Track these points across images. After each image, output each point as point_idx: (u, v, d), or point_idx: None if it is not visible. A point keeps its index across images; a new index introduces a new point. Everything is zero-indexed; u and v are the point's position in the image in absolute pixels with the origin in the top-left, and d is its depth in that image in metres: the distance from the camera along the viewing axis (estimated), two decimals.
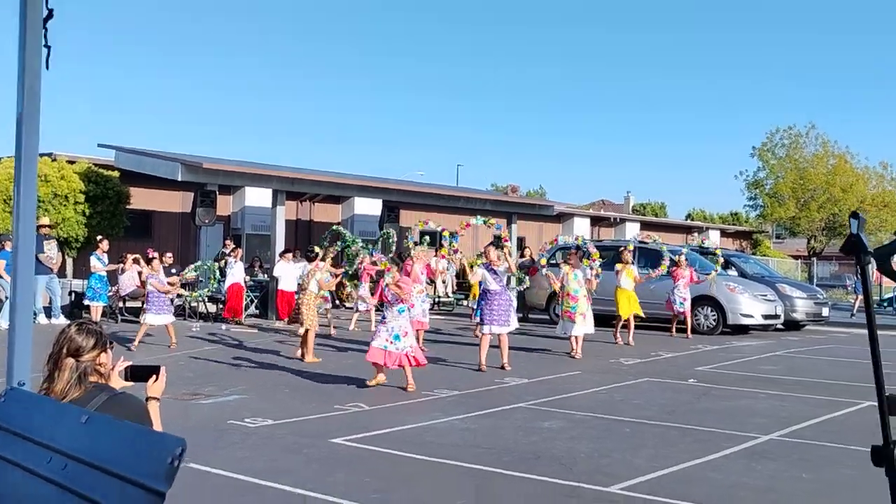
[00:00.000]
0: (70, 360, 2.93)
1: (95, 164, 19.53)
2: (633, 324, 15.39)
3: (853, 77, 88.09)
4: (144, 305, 13.86)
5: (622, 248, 16.34)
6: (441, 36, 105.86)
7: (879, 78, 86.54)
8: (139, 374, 3.23)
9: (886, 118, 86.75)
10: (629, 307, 15.28)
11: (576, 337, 13.14)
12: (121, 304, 17.78)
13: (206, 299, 18.65)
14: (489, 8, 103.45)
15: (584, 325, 13.15)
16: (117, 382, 3.19)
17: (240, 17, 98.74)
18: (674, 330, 16.75)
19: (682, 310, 16.58)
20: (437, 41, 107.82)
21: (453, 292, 23.48)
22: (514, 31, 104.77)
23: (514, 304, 13.79)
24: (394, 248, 17.27)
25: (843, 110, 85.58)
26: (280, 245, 19.55)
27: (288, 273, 18.72)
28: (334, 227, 15.88)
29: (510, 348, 12.01)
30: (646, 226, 37.85)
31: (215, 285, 16.70)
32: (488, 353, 11.59)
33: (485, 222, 14.06)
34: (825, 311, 19.93)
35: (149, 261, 17.44)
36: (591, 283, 13.62)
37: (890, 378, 9.22)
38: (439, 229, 14.42)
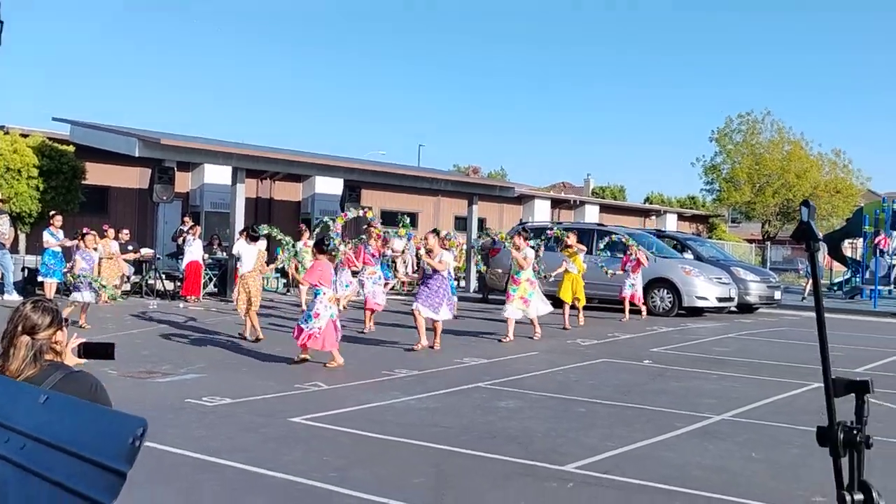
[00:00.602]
0: (25, 338, 2.89)
1: (50, 138, 19.12)
2: (580, 306, 15.34)
3: (809, 65, 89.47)
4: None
5: (567, 234, 15.99)
6: (402, 14, 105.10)
7: (834, 66, 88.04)
8: (93, 351, 3.19)
9: (840, 106, 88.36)
10: (570, 292, 15.02)
11: (511, 319, 12.76)
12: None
13: (164, 277, 18.44)
14: None
15: (518, 308, 12.73)
16: (71, 360, 3.15)
17: None
18: (626, 314, 16.44)
19: (628, 294, 16.43)
20: (398, 19, 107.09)
21: (413, 271, 23.48)
22: (477, 9, 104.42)
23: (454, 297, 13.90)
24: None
25: (799, 97, 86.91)
26: (240, 223, 19.36)
27: (248, 252, 18.59)
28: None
29: (452, 332, 12.09)
30: (605, 209, 38.19)
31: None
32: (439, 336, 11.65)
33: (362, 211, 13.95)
34: (777, 295, 20.35)
35: (101, 235, 17.21)
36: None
37: (840, 361, 9.48)
38: (361, 212, 14.10)
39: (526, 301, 12.75)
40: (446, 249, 12.15)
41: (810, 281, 22.94)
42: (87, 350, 3.14)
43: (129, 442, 1.09)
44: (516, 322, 12.97)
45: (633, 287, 16.49)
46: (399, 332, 13.31)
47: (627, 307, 16.54)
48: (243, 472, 5.54)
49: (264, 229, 13.74)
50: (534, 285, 13.01)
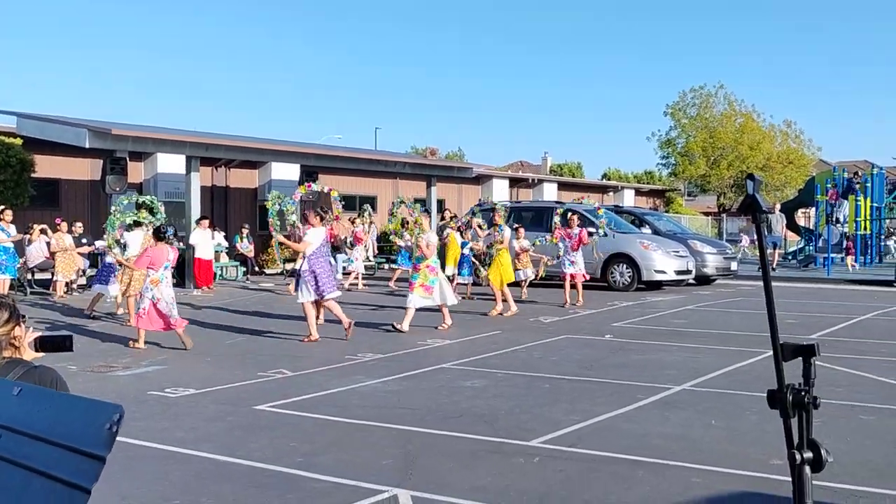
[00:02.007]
0: None
1: None
2: (509, 292, 13.95)
3: (759, 34, 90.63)
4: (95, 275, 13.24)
5: (494, 211, 15.18)
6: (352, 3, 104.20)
7: (783, 35, 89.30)
8: (49, 344, 3.16)
9: (789, 76, 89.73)
10: (497, 275, 13.86)
11: (410, 308, 11.94)
12: (29, 276, 17.20)
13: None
14: None
15: (420, 296, 12.00)
16: (29, 355, 3.12)
17: None
18: (566, 297, 15.00)
19: (570, 272, 15.10)
20: (345, 2, 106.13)
21: (374, 256, 23.46)
22: None
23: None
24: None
25: (750, 68, 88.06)
26: (196, 212, 19.17)
27: (204, 241, 18.44)
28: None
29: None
30: (563, 186, 38.42)
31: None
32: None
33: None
34: (734, 266, 20.70)
35: (54, 229, 16.94)
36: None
37: (794, 328, 9.70)
38: (326, 189, 13.60)
39: (427, 288, 11.96)
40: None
41: (768, 251, 23.37)
42: (44, 343, 3.11)
43: (106, 427, 1.10)
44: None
45: (574, 265, 15.12)
46: (365, 313, 13.29)
47: (568, 289, 15.04)
48: (211, 461, 5.53)
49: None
50: (435, 272, 12.13)
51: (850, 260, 24.74)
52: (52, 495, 1.08)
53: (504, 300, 13.74)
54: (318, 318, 11.54)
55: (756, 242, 24.35)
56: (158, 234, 10.94)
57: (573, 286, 15.11)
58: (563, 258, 15.23)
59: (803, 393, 1.74)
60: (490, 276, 14.05)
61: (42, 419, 1.10)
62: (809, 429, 1.74)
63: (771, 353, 1.56)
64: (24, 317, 3.05)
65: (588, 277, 15.80)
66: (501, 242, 14.10)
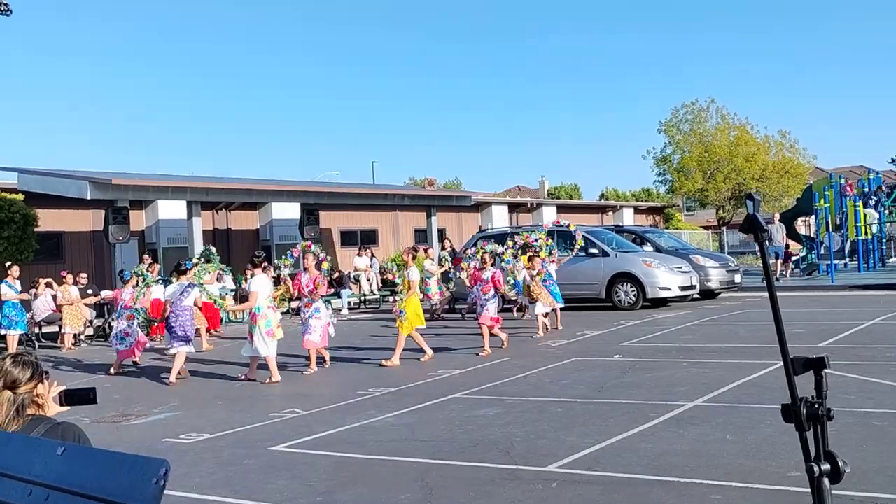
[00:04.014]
0: (7, 394, 2.90)
1: None
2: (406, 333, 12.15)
3: (749, 48, 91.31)
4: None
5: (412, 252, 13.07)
6: (340, 35, 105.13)
7: (773, 48, 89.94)
8: (74, 398, 3.20)
9: (780, 86, 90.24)
10: (410, 321, 12.04)
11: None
12: (37, 330, 17.24)
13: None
14: (388, 4, 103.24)
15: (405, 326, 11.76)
16: (53, 409, 3.16)
17: (122, 18, 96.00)
18: (486, 346, 12.51)
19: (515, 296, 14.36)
20: (335, 42, 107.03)
21: (378, 289, 23.50)
22: (417, 17, 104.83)
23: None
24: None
25: (741, 82, 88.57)
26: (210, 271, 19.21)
27: (211, 284, 18.46)
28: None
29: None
30: (562, 209, 38.52)
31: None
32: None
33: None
34: (737, 278, 20.72)
35: (59, 282, 17.00)
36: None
37: (802, 337, 9.72)
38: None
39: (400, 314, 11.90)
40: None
41: (771, 261, 23.43)
42: (69, 397, 3.16)
43: (153, 482, 1.15)
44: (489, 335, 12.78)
45: (487, 310, 12.84)
46: (373, 349, 13.31)
47: (486, 336, 12.65)
48: None
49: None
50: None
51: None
52: None
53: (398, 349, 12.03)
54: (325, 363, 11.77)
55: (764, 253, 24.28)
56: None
57: (492, 333, 12.79)
58: (478, 302, 13.22)
59: (817, 406, 1.78)
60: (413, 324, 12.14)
61: (90, 477, 1.14)
62: (825, 441, 1.77)
63: (780, 364, 1.60)
64: (46, 373, 3.10)
65: (500, 321, 13.14)
66: (410, 287, 12.14)
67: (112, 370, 12.69)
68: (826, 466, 1.75)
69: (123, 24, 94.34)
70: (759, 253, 1.81)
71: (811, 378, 1.95)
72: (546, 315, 14.75)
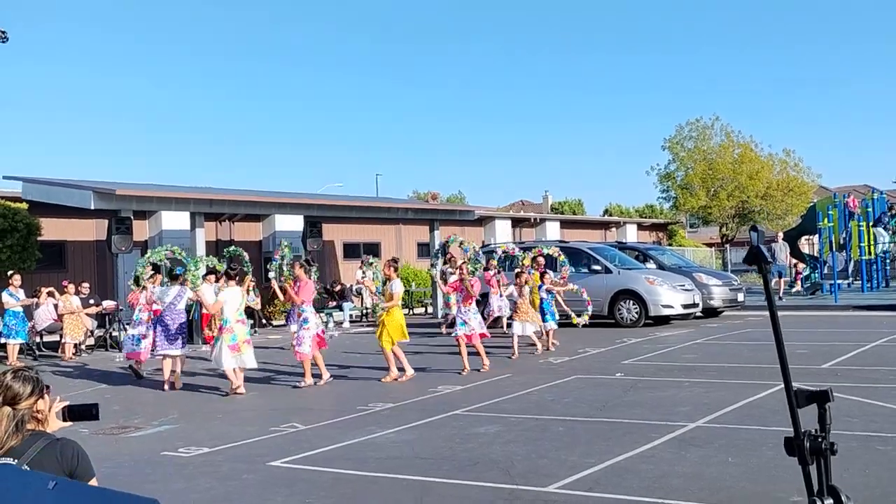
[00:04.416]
0: (7, 409, 2.89)
1: (2, 197, 18.87)
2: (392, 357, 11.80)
3: (755, 67, 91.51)
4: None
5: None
6: (349, 46, 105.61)
7: (780, 67, 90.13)
8: (76, 413, 3.20)
9: (785, 106, 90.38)
10: (388, 336, 11.68)
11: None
12: (38, 340, 17.22)
13: (128, 328, 18.20)
14: (391, 17, 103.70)
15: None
16: (55, 424, 3.15)
17: (125, 27, 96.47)
18: (465, 363, 12.10)
19: (462, 333, 12.31)
20: (346, 52, 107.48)
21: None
22: (422, 31, 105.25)
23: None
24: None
25: (746, 100, 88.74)
26: (201, 269, 19.21)
27: (211, 295, 18.46)
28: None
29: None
30: (565, 224, 38.52)
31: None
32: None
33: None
34: (740, 297, 20.68)
35: (61, 292, 17.00)
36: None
37: (805, 357, 9.67)
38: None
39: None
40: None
41: (774, 279, 23.37)
42: (71, 412, 3.15)
43: None
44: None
45: (467, 324, 12.27)
46: (374, 363, 13.27)
47: (464, 354, 12.16)
48: None
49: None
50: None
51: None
52: None
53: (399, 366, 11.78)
54: (324, 379, 11.64)
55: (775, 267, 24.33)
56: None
57: (472, 351, 12.34)
58: (457, 316, 12.70)
59: (820, 439, 1.77)
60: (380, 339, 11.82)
61: None
62: (829, 475, 1.76)
63: (782, 386, 1.58)
64: (47, 388, 3.09)
65: (489, 335, 13.05)
66: (391, 298, 11.85)
67: (138, 373, 13.03)
68: (829, 501, 1.74)
69: (131, 34, 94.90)
70: (762, 284, 1.80)
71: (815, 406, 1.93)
72: (542, 335, 14.45)
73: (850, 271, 26.85)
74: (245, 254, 13.99)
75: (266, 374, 12.87)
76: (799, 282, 26.40)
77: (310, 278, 12.32)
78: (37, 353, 16.94)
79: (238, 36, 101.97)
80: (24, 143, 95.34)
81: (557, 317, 14.99)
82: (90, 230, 21.95)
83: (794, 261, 27.44)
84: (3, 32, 7.16)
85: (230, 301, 11.23)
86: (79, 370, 14.56)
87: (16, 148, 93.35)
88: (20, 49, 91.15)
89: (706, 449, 6.88)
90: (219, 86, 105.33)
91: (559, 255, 17.51)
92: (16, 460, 2.84)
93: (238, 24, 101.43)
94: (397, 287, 11.90)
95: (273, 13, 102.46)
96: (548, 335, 14.61)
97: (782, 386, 1.81)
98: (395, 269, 12.11)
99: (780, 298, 23.67)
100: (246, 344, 11.30)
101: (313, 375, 11.67)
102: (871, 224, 26.27)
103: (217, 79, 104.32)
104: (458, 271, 13.44)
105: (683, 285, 18.65)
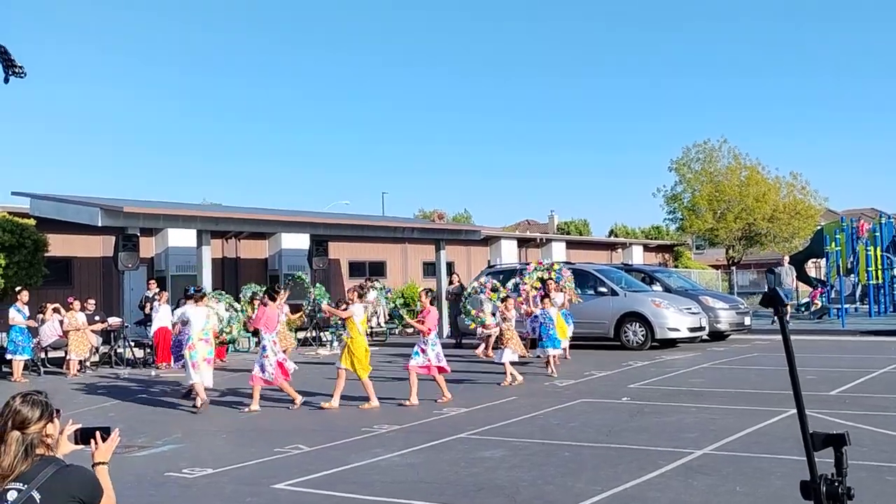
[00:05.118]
0: (16, 434, 2.88)
1: (10, 213, 18.93)
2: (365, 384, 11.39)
3: (763, 91, 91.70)
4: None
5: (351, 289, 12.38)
6: (356, 70, 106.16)
7: (788, 91, 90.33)
8: (89, 436, 3.19)
9: (793, 128, 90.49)
10: (361, 364, 11.34)
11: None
12: (42, 356, 17.22)
13: (133, 345, 18.22)
14: (399, 40, 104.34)
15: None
16: (66, 447, 3.14)
17: (146, 52, 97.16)
18: (444, 391, 11.52)
19: (414, 364, 11.54)
20: (351, 76, 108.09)
21: (386, 322, 23.42)
22: (430, 51, 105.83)
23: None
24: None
25: (754, 124, 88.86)
26: (207, 286, 19.23)
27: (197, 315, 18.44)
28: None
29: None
30: (571, 244, 38.49)
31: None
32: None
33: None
34: (747, 321, 20.59)
35: (67, 308, 17.01)
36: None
37: (812, 384, 9.61)
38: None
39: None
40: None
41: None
42: (83, 435, 3.14)
43: None
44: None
45: (423, 354, 11.49)
46: (379, 384, 13.20)
47: (414, 383, 11.40)
48: None
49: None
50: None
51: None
52: None
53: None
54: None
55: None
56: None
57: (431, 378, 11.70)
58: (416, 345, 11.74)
59: (836, 483, 1.75)
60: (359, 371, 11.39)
61: None
62: None
63: (790, 412, 1.56)
64: (57, 412, 3.08)
65: (449, 371, 11.90)
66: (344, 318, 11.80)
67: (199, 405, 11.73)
68: None
69: (139, 55, 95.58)
70: (778, 323, 1.78)
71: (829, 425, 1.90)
72: (551, 357, 14.12)
73: (857, 296, 26.75)
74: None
75: (270, 392, 12.83)
76: (818, 300, 26.09)
77: (277, 305, 12.49)
78: (41, 369, 16.92)
79: (247, 58, 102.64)
80: (31, 157, 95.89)
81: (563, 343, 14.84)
82: (97, 246, 22.01)
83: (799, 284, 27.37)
84: (21, 67, 7.24)
85: (194, 320, 11.90)
86: (83, 387, 14.52)
87: (23, 161, 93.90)
88: (35, 64, 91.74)
89: (714, 477, 6.82)
90: (229, 106, 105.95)
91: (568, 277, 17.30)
92: (25, 486, 2.82)
93: (246, 46, 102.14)
94: (356, 313, 11.47)
95: (283, 37, 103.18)
96: (552, 358, 14.20)
97: (790, 413, 1.79)
98: (360, 296, 11.88)
99: (773, 322, 23.58)
100: (205, 363, 11.88)
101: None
102: (884, 248, 26.13)
103: (227, 101, 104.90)
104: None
105: (690, 308, 18.59)
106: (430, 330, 11.55)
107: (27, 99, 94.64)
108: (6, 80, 7.21)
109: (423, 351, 11.50)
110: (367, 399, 11.31)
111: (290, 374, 11.96)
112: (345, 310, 11.95)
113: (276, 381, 11.60)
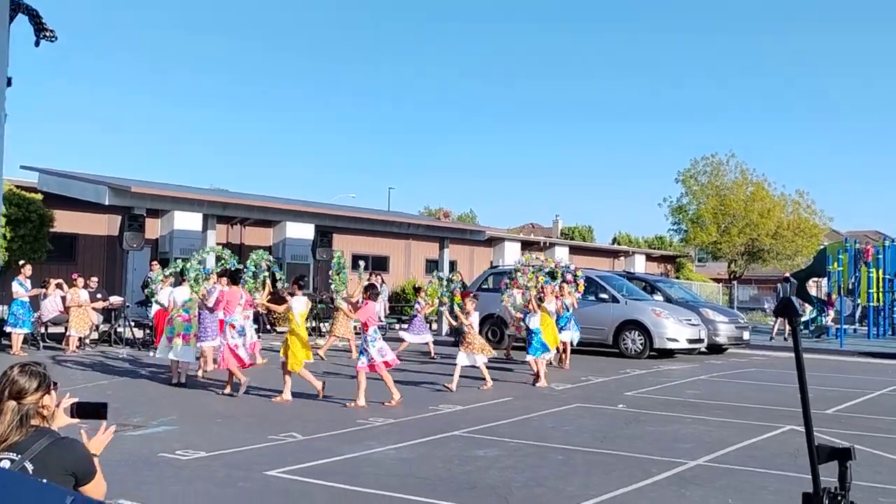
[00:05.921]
0: (12, 403, 2.89)
1: (18, 187, 18.96)
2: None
3: (774, 108, 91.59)
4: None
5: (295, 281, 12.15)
6: (368, 57, 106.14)
7: (799, 112, 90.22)
8: (85, 410, 3.19)
9: (802, 147, 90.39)
10: (296, 356, 11.21)
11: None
12: (42, 331, 17.24)
13: (133, 325, 18.23)
14: (406, 42, 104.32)
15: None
16: (62, 420, 3.14)
17: (174, 24, 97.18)
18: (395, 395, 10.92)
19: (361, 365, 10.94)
20: (364, 62, 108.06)
21: (386, 316, 23.44)
22: (438, 49, 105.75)
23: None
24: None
25: (763, 140, 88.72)
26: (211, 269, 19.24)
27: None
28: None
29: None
30: (574, 250, 38.49)
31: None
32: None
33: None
34: (746, 335, 20.58)
35: (70, 284, 17.03)
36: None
37: (810, 402, 9.46)
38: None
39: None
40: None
41: (779, 320, 23.19)
42: (80, 410, 3.14)
43: None
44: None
45: (366, 354, 10.87)
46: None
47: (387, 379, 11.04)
48: None
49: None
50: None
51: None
52: None
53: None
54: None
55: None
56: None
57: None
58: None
59: (840, 498, 1.75)
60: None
61: None
62: None
63: (787, 428, 1.56)
64: (55, 384, 3.08)
65: (393, 363, 11.31)
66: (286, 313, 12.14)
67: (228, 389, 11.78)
68: None
69: (149, 50, 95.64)
70: (791, 336, 1.79)
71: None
72: (533, 361, 13.30)
73: (856, 317, 26.72)
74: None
75: (267, 378, 12.85)
76: (830, 312, 25.93)
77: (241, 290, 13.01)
78: (40, 343, 16.95)
79: (255, 57, 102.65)
80: (43, 133, 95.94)
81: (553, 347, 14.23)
82: (102, 225, 22.04)
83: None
84: (52, 31, 7.24)
85: (177, 298, 12.91)
86: (81, 364, 14.55)
87: (32, 136, 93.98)
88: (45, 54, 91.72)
89: (706, 489, 6.82)
90: (240, 107, 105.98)
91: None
92: (18, 456, 2.83)
93: (255, 44, 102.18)
94: (296, 306, 11.43)
95: (285, 41, 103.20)
96: (536, 363, 13.34)
97: (787, 429, 1.79)
98: (300, 287, 11.79)
99: (785, 339, 23.55)
100: (179, 338, 12.51)
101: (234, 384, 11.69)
102: (887, 272, 26.08)
103: (241, 98, 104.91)
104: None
105: (690, 319, 18.59)
106: (366, 325, 10.86)
107: (39, 76, 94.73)
108: (37, 44, 7.22)
109: (366, 350, 10.86)
110: (353, 400, 10.70)
111: (245, 362, 11.93)
112: (284, 303, 12.22)
113: (225, 364, 11.64)
